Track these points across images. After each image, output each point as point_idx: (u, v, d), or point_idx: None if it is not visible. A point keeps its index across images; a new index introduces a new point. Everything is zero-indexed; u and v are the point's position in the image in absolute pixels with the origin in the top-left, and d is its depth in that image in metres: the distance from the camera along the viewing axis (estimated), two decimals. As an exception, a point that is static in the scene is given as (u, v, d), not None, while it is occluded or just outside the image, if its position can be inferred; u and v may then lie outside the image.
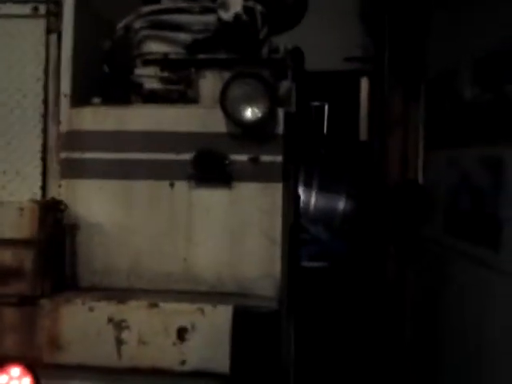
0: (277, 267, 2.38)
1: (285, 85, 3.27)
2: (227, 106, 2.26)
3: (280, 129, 2.39)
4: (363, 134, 4.87)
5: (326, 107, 10.30)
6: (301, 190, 14.74)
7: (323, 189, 12.88)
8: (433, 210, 3.99)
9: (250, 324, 2.20)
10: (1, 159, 2.57)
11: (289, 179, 3.10)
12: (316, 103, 10.21)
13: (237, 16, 2.36)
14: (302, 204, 14.79)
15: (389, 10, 4.42)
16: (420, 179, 4.32)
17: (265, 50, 2.61)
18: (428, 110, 4.27)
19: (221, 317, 2.22)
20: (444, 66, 3.94)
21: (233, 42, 2.51)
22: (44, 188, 2.56)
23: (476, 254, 3.38)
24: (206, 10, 2.52)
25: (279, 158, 2.38)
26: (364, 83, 4.89)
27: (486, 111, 3.33)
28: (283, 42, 3.26)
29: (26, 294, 2.31)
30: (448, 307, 3.74)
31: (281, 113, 2.39)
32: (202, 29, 2.55)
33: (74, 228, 2.50)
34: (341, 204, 10.91)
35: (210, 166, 2.38)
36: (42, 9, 2.57)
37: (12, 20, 2.58)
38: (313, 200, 14.22)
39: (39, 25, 2.57)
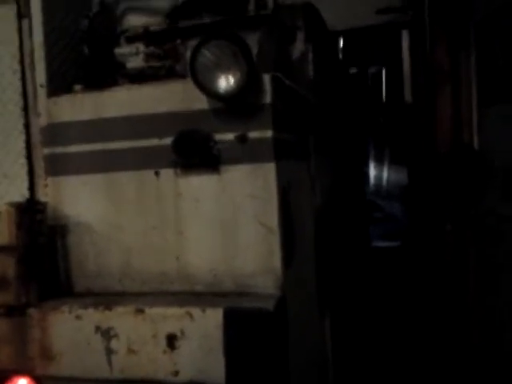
0: (276, 260, 2.04)
1: (298, 48, 2.89)
2: (197, 76, 1.93)
3: (267, 98, 2.02)
4: (408, 95, 4.32)
5: (384, 72, 9.54)
6: (371, 166, 14.06)
7: (395, 162, 12.09)
8: (492, 179, 3.43)
9: (243, 327, 1.91)
10: (-12, 160, 2.43)
11: (306, 157, 2.74)
12: (373, 69, 9.52)
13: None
14: (373, 180, 14.10)
15: None
16: (476, 142, 3.75)
17: (251, 7, 2.23)
18: (480, 60, 3.68)
19: (211, 321, 1.94)
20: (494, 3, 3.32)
21: (211, 2, 2.16)
22: (32, 188, 2.39)
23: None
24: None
25: (269, 133, 2.03)
26: (404, 37, 4.33)
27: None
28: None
29: (12, 303, 2.16)
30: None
31: (267, 79, 2.02)
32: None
33: (63, 229, 2.32)
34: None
35: (193, 150, 2.07)
36: (12, -8, 2.37)
37: (-17, 10, 2.41)
38: (385, 175, 13.45)
39: (10, 10, 2.38)
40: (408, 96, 4.35)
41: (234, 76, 1.90)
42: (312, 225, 2.71)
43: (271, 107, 2.02)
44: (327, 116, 3.46)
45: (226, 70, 1.89)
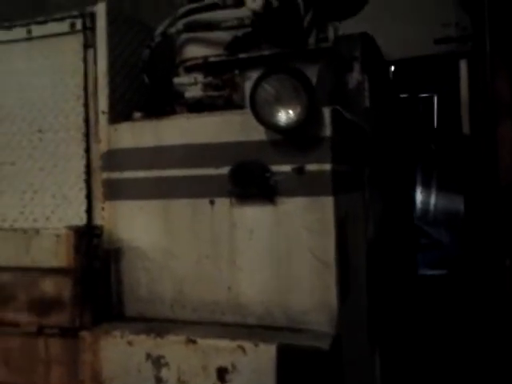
0: (331, 296, 1.99)
1: (354, 78, 2.88)
2: (258, 110, 1.93)
3: (327, 131, 2.00)
4: (466, 125, 4.21)
5: (436, 99, 9.41)
6: (419, 191, 13.75)
7: (443, 188, 11.82)
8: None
9: (297, 365, 1.86)
10: (49, 182, 2.51)
11: (361, 188, 2.69)
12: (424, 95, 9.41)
13: (267, 3, 2.02)
14: (420, 206, 13.78)
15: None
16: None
17: (311, 40, 2.23)
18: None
19: (264, 356, 1.90)
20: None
21: (272, 35, 2.18)
22: (89, 212, 2.44)
23: None
24: (239, 3, 2.22)
25: (328, 167, 2.00)
26: (462, 67, 4.23)
27: None
28: (356, 29, 2.89)
29: (66, 325, 2.20)
30: None
31: (327, 112, 2.00)
32: (239, 24, 2.26)
33: (117, 253, 2.35)
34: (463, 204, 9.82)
35: (249, 180, 2.07)
36: (79, 24, 2.46)
37: (53, 39, 2.51)
38: (432, 201, 13.14)
39: (77, 41, 2.47)
40: (466, 125, 4.25)
41: (294, 110, 1.89)
42: (364, 257, 2.65)
43: (330, 140, 2.00)
44: (381, 145, 3.40)
45: (286, 103, 1.89)
